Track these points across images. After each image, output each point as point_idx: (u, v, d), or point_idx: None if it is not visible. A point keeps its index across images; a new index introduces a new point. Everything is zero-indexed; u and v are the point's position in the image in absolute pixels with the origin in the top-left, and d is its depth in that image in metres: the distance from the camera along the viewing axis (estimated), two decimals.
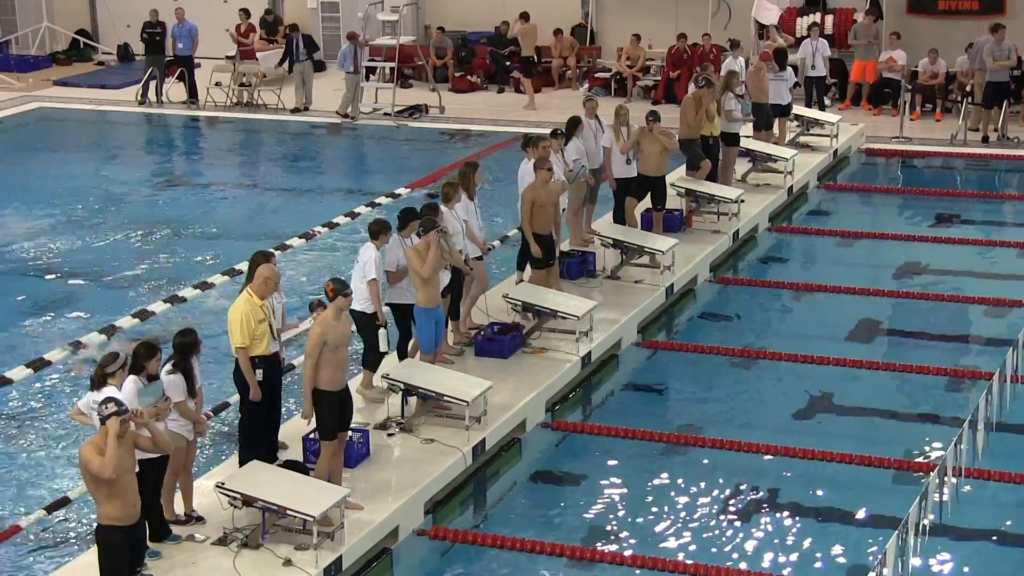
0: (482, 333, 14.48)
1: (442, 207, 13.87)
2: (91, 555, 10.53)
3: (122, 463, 9.42)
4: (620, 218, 17.22)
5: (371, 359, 13.21)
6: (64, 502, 11.98)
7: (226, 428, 13.42)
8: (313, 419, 11.42)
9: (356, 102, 26.24)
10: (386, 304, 13.38)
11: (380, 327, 12.97)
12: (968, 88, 24.28)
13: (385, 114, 26.58)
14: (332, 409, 11.32)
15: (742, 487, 12.35)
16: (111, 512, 9.52)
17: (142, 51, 28.76)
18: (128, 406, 9.61)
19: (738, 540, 11.54)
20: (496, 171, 20.59)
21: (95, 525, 9.74)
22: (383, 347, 13.05)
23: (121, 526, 9.58)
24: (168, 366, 10.75)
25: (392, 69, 27.47)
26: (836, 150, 22.36)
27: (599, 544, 11.49)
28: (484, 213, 15.42)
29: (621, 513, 12.04)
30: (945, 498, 11.22)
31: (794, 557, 11.28)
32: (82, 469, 9.50)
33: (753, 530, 11.71)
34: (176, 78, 28.01)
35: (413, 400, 12.78)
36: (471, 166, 14.68)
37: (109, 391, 10.11)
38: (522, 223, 15.04)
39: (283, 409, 12.18)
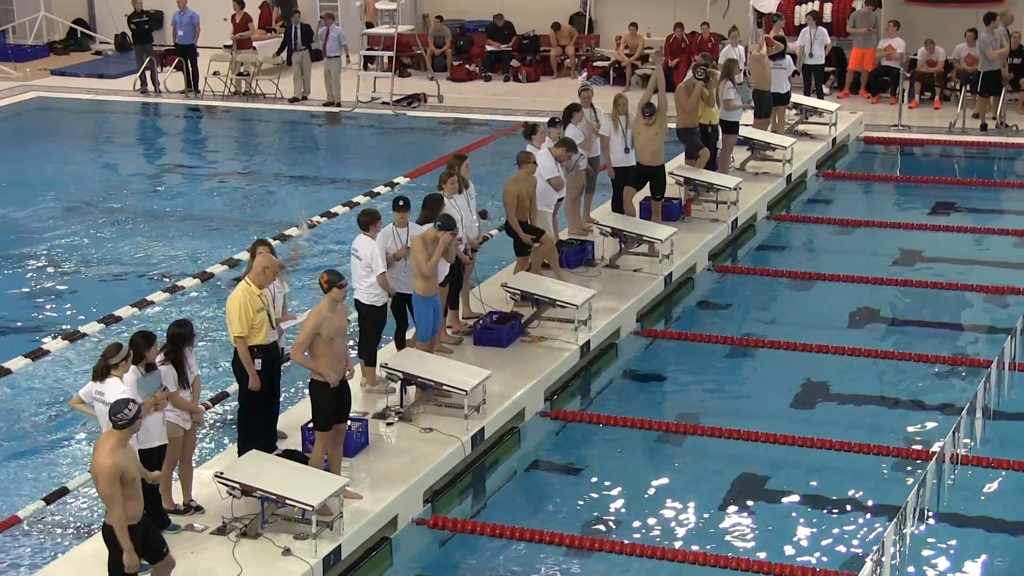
0: (481, 322, 14.48)
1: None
2: (90, 544, 10.58)
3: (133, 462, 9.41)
4: (619, 207, 17.22)
5: (367, 353, 13.20)
6: (62, 492, 11.98)
7: (228, 418, 13.43)
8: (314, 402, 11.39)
9: (334, 86, 26.21)
10: None
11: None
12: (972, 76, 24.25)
13: (383, 103, 26.55)
14: (329, 401, 11.27)
15: (740, 475, 12.34)
16: (128, 512, 9.36)
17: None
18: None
19: (736, 528, 11.55)
20: (496, 160, 20.58)
21: (103, 526, 9.50)
22: None
23: (131, 524, 9.50)
24: (160, 356, 10.73)
25: (390, 58, 27.44)
26: (835, 138, 22.35)
27: (598, 533, 11.50)
28: (487, 202, 15.30)
29: (620, 502, 12.05)
30: (943, 486, 11.23)
31: (792, 545, 11.28)
32: (104, 472, 9.18)
33: (751, 518, 11.72)
34: (174, 67, 27.96)
35: (412, 389, 12.79)
36: (459, 158, 14.64)
37: (112, 383, 10.10)
38: (508, 216, 15.01)
39: (281, 398, 12.17)
